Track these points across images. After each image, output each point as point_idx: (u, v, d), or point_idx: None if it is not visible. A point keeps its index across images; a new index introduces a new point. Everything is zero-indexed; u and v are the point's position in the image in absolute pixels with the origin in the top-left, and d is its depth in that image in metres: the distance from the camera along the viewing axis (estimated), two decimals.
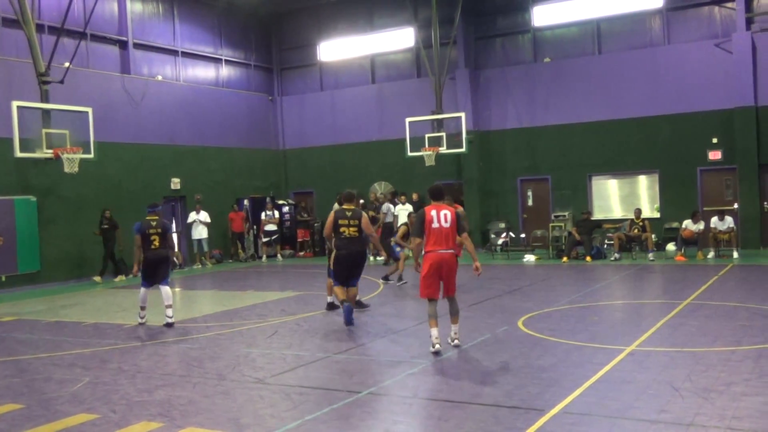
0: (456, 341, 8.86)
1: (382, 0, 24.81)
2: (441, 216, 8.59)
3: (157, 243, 11.49)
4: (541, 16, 22.74)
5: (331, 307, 12.12)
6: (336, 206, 11.41)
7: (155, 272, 11.58)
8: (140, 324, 11.66)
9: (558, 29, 22.59)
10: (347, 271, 10.87)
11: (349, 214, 10.88)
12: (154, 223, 11.58)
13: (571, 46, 22.31)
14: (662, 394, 6.57)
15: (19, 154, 16.01)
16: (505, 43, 23.35)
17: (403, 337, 9.90)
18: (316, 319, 11.63)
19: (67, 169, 16.62)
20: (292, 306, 13.09)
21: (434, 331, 8.52)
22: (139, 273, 11.87)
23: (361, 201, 22.89)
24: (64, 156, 16.48)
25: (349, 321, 10.57)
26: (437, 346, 8.46)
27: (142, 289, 11.71)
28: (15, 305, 14.94)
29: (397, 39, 24.97)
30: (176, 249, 11.30)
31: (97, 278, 18.79)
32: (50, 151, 16.47)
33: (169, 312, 11.33)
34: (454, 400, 6.72)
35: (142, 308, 11.75)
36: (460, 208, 14.46)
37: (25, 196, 17.97)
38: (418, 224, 8.65)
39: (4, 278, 17.42)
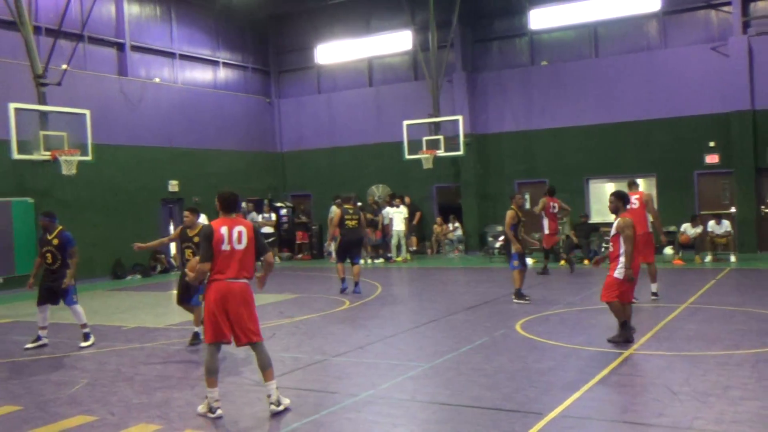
0: (279, 405, 6.64)
1: (379, 3, 24.84)
2: (234, 235, 6.66)
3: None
4: (538, 20, 22.78)
5: (196, 338, 10.05)
6: (334, 207, 15.19)
7: None
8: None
9: (555, 32, 22.64)
10: (347, 252, 14.58)
11: (351, 211, 14.63)
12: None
13: (568, 49, 22.36)
14: (660, 397, 6.58)
15: (16, 155, 15.99)
16: (502, 47, 23.39)
17: (400, 340, 9.91)
18: (314, 321, 11.63)
19: (65, 171, 16.61)
20: (290, 308, 13.08)
21: (214, 392, 6.62)
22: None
23: (359, 203, 22.92)
24: (62, 158, 16.47)
25: (344, 290, 14.54)
26: (219, 411, 6.60)
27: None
28: (13, 307, 14.92)
29: (395, 42, 24.99)
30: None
31: None
32: (48, 153, 16.45)
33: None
34: (453, 404, 6.73)
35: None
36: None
37: (22, 198, 17.94)
38: (206, 244, 6.63)
39: (2, 280, 17.41)
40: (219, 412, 6.59)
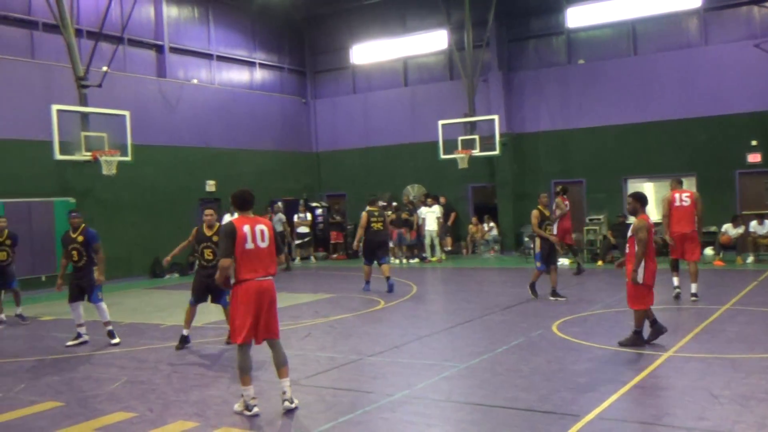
0: (292, 402, 6.71)
1: (414, 3, 24.81)
2: (256, 233, 6.65)
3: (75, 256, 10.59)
4: (575, 18, 22.55)
5: (183, 341, 10.10)
6: (368, 207, 15.25)
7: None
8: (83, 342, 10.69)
9: (592, 30, 22.38)
10: (373, 253, 14.91)
11: (377, 213, 15.07)
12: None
13: (606, 47, 22.08)
14: (700, 401, 6.47)
15: (58, 156, 16.34)
16: (539, 45, 23.20)
17: (435, 340, 9.89)
18: (349, 321, 11.66)
19: (105, 172, 16.93)
20: (326, 308, 13.14)
21: (251, 390, 6.67)
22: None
23: (394, 203, 22.97)
24: (103, 158, 16.79)
25: (367, 290, 14.88)
26: (256, 408, 6.63)
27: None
28: (54, 305, 15.20)
29: (430, 41, 24.95)
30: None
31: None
32: (89, 153, 16.79)
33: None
34: (488, 404, 6.70)
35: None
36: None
37: (64, 197, 18.30)
38: (228, 242, 6.57)
39: (44, 278, 17.77)
40: (255, 410, 6.62)
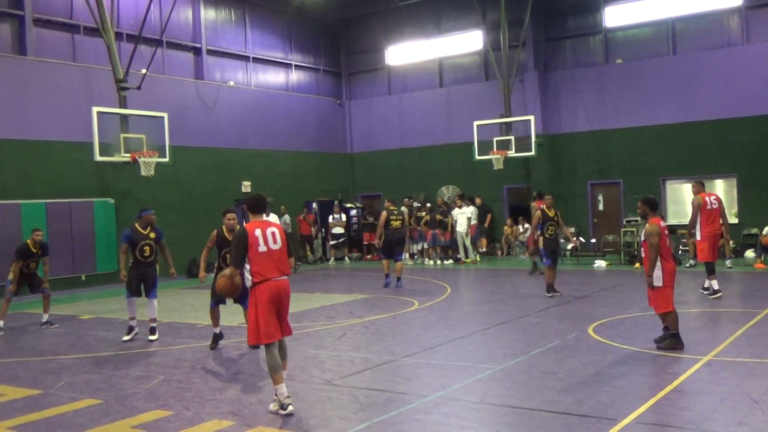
0: (287, 398, 6.72)
1: (450, 3, 24.75)
2: (268, 236, 6.86)
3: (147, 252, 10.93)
4: (612, 17, 22.28)
5: (217, 339, 10.35)
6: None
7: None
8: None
9: (630, 30, 22.09)
10: (391, 249, 15.70)
11: (396, 212, 15.90)
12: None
13: (644, 46, 21.78)
14: (741, 406, 6.34)
15: (98, 158, 16.62)
16: (576, 45, 22.98)
17: (470, 342, 9.85)
18: (384, 322, 11.67)
19: (143, 173, 17.17)
20: (360, 308, 13.17)
21: (283, 387, 6.71)
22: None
23: (428, 204, 22.94)
24: (141, 160, 17.03)
25: (387, 285, 15.63)
26: (291, 407, 6.65)
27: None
28: (94, 304, 15.48)
29: (465, 42, 24.86)
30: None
31: None
32: (128, 155, 17.04)
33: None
34: (523, 407, 6.65)
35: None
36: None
37: (103, 198, 18.63)
38: (240, 248, 6.73)
39: (84, 277, 18.09)
40: (290, 408, 6.66)
